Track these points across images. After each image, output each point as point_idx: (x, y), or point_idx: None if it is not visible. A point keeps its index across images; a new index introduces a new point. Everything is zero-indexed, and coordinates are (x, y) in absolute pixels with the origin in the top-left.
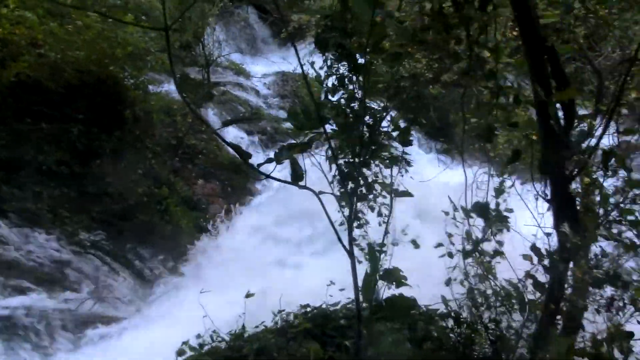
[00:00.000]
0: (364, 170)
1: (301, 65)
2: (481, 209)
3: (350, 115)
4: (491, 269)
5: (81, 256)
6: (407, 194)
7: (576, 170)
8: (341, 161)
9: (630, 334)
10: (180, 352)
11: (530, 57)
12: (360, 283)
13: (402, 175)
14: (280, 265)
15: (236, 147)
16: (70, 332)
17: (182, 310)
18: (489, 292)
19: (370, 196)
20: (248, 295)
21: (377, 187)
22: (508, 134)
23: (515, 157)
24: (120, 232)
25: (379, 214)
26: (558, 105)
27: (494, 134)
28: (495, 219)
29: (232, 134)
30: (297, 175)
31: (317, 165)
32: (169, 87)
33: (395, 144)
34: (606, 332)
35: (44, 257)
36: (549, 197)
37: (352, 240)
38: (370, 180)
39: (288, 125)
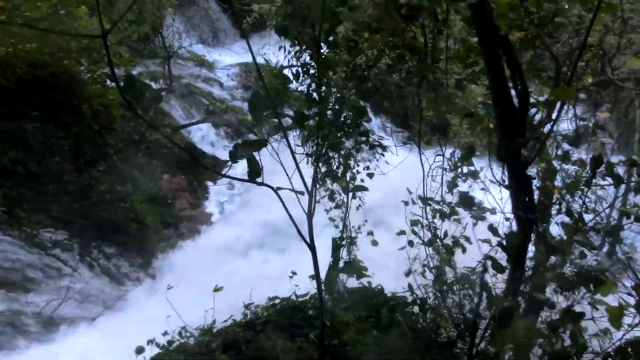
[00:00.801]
0: (332, 153)
1: (254, 58)
2: (466, 200)
3: (316, 101)
4: (450, 259)
5: (43, 256)
6: (362, 188)
7: (532, 155)
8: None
9: (581, 314)
10: (138, 350)
11: (485, 46)
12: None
13: (377, 160)
14: (252, 257)
15: (189, 149)
16: (34, 334)
17: (151, 307)
18: (451, 277)
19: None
20: (217, 289)
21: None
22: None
23: (470, 154)
24: (83, 231)
25: (354, 197)
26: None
27: (449, 127)
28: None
29: (198, 127)
30: (254, 172)
31: (277, 159)
32: None
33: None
34: (558, 313)
35: (3, 260)
36: (506, 183)
37: (312, 233)
38: (342, 161)
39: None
